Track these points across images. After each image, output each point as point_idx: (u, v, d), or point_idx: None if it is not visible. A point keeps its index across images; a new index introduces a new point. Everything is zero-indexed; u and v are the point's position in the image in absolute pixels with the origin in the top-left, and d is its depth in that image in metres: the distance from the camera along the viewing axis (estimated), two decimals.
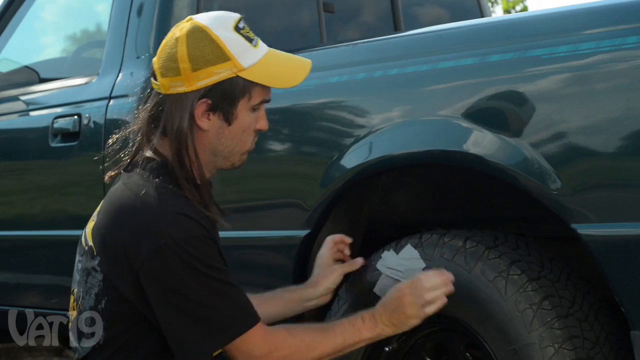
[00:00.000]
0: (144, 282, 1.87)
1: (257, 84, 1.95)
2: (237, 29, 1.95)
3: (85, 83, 3.19)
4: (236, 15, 1.97)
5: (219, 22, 1.94)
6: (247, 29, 1.98)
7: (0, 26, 3.68)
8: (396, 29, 3.52)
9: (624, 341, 2.04)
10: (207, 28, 1.92)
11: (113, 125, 2.95)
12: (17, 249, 3.42)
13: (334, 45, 2.90)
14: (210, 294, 1.87)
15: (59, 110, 3.21)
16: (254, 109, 1.98)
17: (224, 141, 1.97)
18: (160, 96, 1.96)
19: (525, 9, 13.96)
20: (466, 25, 2.39)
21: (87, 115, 3.05)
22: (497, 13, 13.60)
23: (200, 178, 1.96)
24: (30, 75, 3.61)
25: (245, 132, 1.98)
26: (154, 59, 1.99)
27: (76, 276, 2.03)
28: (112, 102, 3.01)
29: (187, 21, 1.97)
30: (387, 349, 2.33)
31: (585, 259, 2.05)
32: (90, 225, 2.01)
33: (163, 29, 2.99)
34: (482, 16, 3.77)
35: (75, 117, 3.09)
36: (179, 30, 1.96)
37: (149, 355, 1.93)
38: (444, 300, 2.05)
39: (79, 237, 2.06)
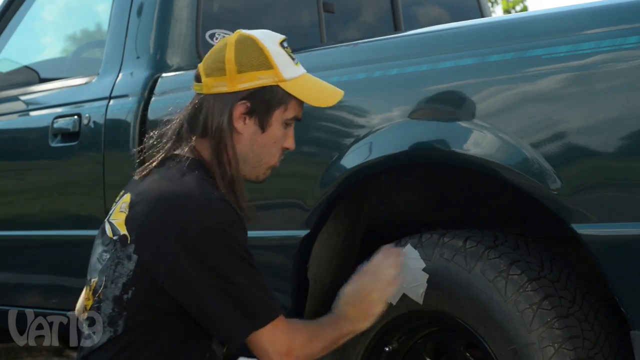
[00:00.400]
0: (183, 264, 1.92)
1: (294, 97, 2.05)
2: (282, 45, 2.06)
3: (85, 83, 3.19)
4: (282, 36, 2.08)
5: (267, 36, 2.06)
6: (290, 49, 2.08)
7: (0, 26, 3.68)
8: (396, 29, 3.52)
9: (624, 341, 2.04)
10: (256, 38, 2.04)
11: (113, 125, 2.96)
12: (17, 249, 3.42)
13: (334, 45, 2.90)
14: (247, 278, 1.95)
15: (59, 110, 3.21)
16: (287, 123, 2.07)
17: (255, 148, 2.05)
18: (201, 96, 2.06)
19: (525, 9, 13.97)
20: (466, 25, 2.39)
21: (87, 115, 3.05)
22: (497, 13, 13.60)
23: (236, 176, 2.04)
24: (30, 75, 3.61)
25: (275, 143, 2.07)
26: (200, 63, 2.09)
27: (97, 265, 2.06)
28: (112, 102, 3.01)
29: (236, 33, 2.08)
30: (387, 349, 2.33)
31: (585, 259, 2.05)
32: (121, 216, 2.04)
33: (163, 29, 3.00)
34: (482, 16, 3.77)
35: (75, 117, 3.09)
36: (227, 39, 2.07)
37: (161, 351, 1.97)
38: (399, 279, 2.14)
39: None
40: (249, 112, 2.03)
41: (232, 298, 1.93)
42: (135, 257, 1.96)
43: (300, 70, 2.08)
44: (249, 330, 1.95)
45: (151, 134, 2.16)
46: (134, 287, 1.96)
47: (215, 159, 2.03)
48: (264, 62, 2.02)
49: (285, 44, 2.07)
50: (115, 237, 2.02)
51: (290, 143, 2.10)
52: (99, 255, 2.07)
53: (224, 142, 2.02)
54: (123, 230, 2.01)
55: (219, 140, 2.02)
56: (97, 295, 2.02)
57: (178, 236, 1.92)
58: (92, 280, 2.07)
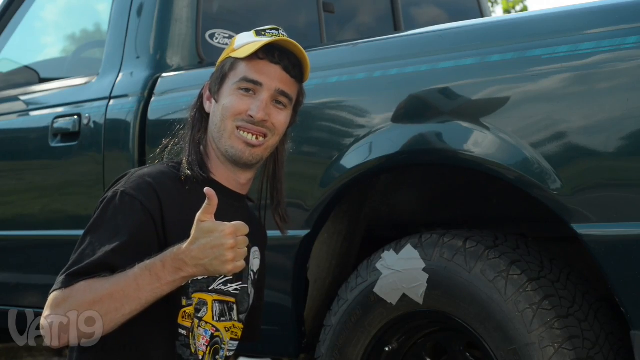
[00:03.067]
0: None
1: (240, 61, 2.02)
2: (259, 30, 2.04)
3: (85, 83, 3.19)
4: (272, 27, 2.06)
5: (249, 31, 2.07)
6: (276, 33, 2.03)
7: (0, 26, 3.68)
8: (396, 29, 3.52)
9: (624, 341, 2.05)
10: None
11: (113, 125, 2.96)
12: (17, 249, 3.42)
13: (334, 45, 2.90)
14: (92, 238, 1.92)
15: (59, 110, 3.21)
16: (246, 89, 2.01)
17: (214, 119, 2.05)
18: None
19: (525, 9, 13.95)
20: (466, 25, 2.39)
21: (87, 115, 3.05)
22: (497, 13, 13.60)
23: (217, 153, 2.03)
24: (30, 75, 3.61)
25: (225, 109, 2.02)
26: None
27: None
28: (112, 102, 3.01)
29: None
30: (387, 349, 2.33)
31: (585, 259, 2.05)
32: None
33: (163, 29, 3.00)
34: (482, 16, 3.77)
35: (75, 117, 3.09)
36: None
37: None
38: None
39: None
40: (210, 90, 2.07)
41: (76, 245, 1.94)
42: None
43: (261, 38, 2.01)
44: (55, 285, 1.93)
45: None
46: None
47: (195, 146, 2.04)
48: (229, 46, 2.08)
49: (269, 30, 2.03)
50: None
51: (254, 111, 1.99)
52: None
53: (197, 127, 2.06)
54: None
55: (191, 127, 2.06)
56: None
57: None
58: None
